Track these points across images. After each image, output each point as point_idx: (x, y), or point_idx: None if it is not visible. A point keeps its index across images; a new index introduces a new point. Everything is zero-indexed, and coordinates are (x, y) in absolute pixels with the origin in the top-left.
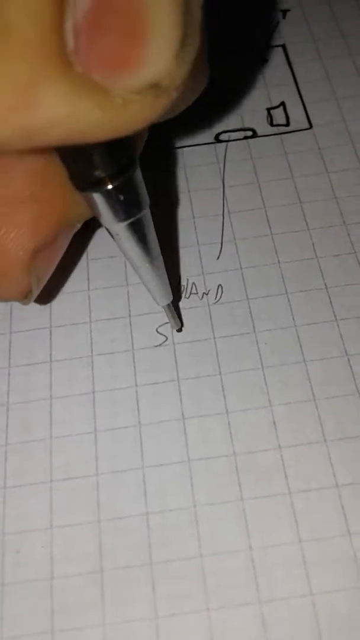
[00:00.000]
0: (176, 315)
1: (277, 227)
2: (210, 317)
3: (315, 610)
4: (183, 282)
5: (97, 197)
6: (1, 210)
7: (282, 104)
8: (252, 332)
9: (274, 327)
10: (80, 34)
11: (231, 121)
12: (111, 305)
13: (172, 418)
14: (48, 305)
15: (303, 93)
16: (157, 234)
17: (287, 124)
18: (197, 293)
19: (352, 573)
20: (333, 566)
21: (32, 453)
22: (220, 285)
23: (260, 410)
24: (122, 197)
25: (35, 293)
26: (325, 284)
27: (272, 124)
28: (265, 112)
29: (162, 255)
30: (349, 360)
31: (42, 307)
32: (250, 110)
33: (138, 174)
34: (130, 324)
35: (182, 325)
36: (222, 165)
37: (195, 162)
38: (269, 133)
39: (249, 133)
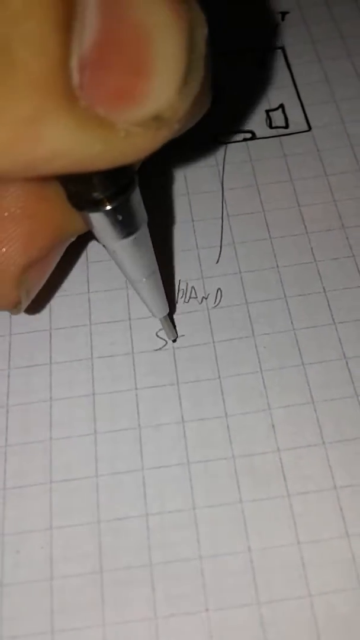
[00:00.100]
0: (172, 327)
1: (275, 230)
2: (210, 321)
3: (314, 612)
4: (182, 286)
5: (95, 217)
6: None
7: (281, 106)
8: (251, 336)
9: (273, 330)
10: (85, 69)
11: (230, 123)
12: (111, 308)
13: (172, 421)
14: (48, 307)
15: (302, 95)
16: (156, 238)
17: (286, 126)
18: (196, 297)
19: (351, 574)
20: (331, 567)
21: (32, 454)
22: (219, 289)
23: (259, 413)
24: (120, 217)
25: (25, 304)
26: (324, 288)
27: (271, 126)
28: (264, 114)
29: (161, 259)
30: (347, 363)
31: (42, 309)
32: (249, 113)
33: (136, 194)
34: (130, 327)
35: (177, 335)
36: (221, 167)
37: (194, 165)
38: (268, 135)
39: (248, 135)
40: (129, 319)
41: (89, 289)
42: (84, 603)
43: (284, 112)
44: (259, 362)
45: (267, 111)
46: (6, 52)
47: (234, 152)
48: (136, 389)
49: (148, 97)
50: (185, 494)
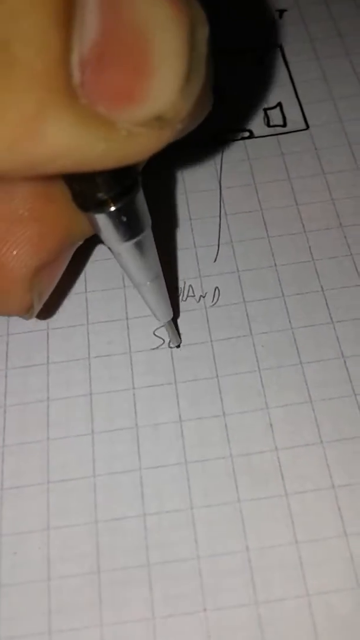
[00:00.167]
0: (176, 332)
1: (273, 229)
2: (207, 320)
3: (312, 611)
4: (180, 284)
5: (100, 218)
6: (3, 228)
7: (279, 104)
8: (249, 335)
9: (271, 329)
10: (86, 67)
11: (227, 122)
12: (108, 308)
13: (169, 420)
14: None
15: (300, 93)
16: (156, 238)
17: (284, 125)
18: (194, 296)
19: (349, 574)
20: (330, 567)
21: (29, 455)
22: (217, 287)
23: (257, 413)
24: (124, 219)
25: (37, 308)
26: (322, 286)
27: (268, 125)
28: (262, 113)
29: (163, 260)
30: (345, 362)
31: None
32: (247, 111)
33: (140, 195)
34: (128, 327)
35: (181, 341)
36: (218, 166)
37: (192, 164)
38: (266, 134)
39: (246, 134)
40: (126, 318)
41: (86, 289)
42: (82, 603)
43: (281, 110)
44: (257, 361)
45: (265, 109)
46: (6, 49)
47: (232, 151)
48: (133, 388)
49: (149, 96)
50: (183, 494)
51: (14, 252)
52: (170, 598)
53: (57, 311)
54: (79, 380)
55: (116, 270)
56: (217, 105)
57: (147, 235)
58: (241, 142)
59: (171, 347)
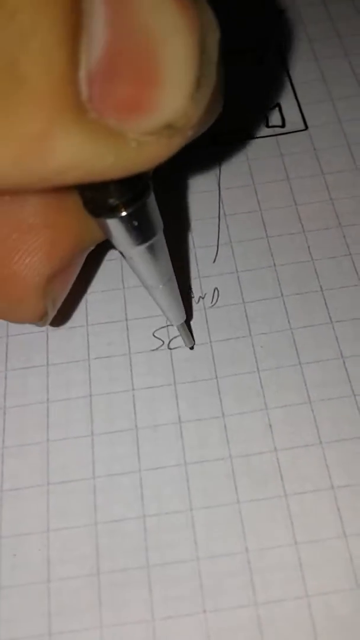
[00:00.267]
0: (190, 334)
1: (272, 229)
2: (207, 321)
3: (311, 612)
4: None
5: (112, 223)
6: (15, 237)
7: (278, 105)
8: (248, 336)
9: (270, 330)
10: (94, 82)
11: (227, 123)
12: (108, 309)
13: (169, 421)
14: None
15: (299, 94)
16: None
17: (283, 125)
18: (193, 297)
19: (348, 574)
20: (329, 568)
21: (29, 456)
22: (216, 288)
23: (257, 413)
24: (136, 223)
25: (51, 315)
26: (321, 287)
27: (267, 126)
28: (261, 114)
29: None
30: (344, 362)
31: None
32: (246, 112)
33: (152, 199)
34: (127, 328)
35: (194, 343)
36: (218, 167)
37: (191, 165)
38: (265, 134)
39: (245, 134)
40: (126, 319)
41: (86, 290)
42: (82, 605)
43: (280, 111)
44: (256, 361)
45: (264, 110)
46: (13, 69)
47: (231, 152)
48: (133, 389)
49: (159, 106)
50: (183, 495)
51: (27, 261)
52: (169, 599)
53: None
54: (78, 382)
55: (116, 271)
56: None
57: (159, 239)
58: (240, 142)
59: (170, 349)
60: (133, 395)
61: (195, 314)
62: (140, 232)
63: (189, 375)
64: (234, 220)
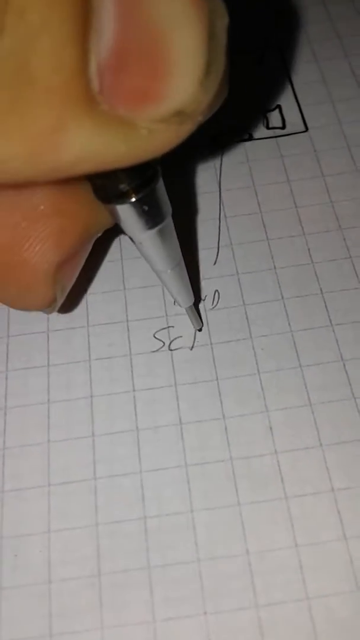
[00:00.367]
0: (198, 316)
1: (273, 232)
2: (207, 323)
3: (312, 614)
4: None
5: (122, 209)
6: (25, 225)
7: (278, 106)
8: (248, 338)
9: (270, 332)
10: (105, 74)
11: (227, 124)
12: (109, 310)
13: (169, 423)
14: None
15: (299, 96)
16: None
17: (283, 127)
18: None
19: (348, 577)
20: (329, 570)
21: (30, 457)
22: (216, 290)
23: (257, 416)
24: (146, 208)
25: (60, 302)
26: (321, 289)
27: (268, 127)
28: (261, 115)
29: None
30: (344, 365)
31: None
32: (246, 114)
33: (161, 184)
34: (128, 329)
35: (202, 324)
36: (218, 168)
37: (191, 166)
38: (265, 136)
39: (245, 136)
40: (127, 320)
41: (86, 291)
42: (82, 606)
43: (280, 112)
44: (257, 363)
45: (264, 112)
46: (24, 68)
47: (231, 153)
48: (134, 390)
49: (169, 94)
50: (183, 497)
51: (37, 248)
52: (170, 601)
53: (57, 313)
54: (79, 383)
55: (117, 272)
56: None
57: (168, 224)
58: (240, 144)
59: (171, 350)
60: (134, 397)
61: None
62: (150, 217)
63: (190, 377)
64: (234, 222)
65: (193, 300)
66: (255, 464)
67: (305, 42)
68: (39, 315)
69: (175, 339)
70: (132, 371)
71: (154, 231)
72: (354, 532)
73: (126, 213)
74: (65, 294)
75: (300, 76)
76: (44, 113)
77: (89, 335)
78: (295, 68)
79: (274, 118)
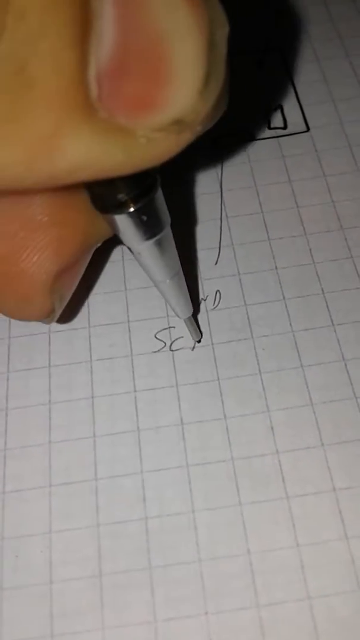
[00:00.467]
0: (197, 327)
1: (274, 232)
2: (208, 323)
3: (313, 614)
4: None
5: (120, 219)
6: (23, 234)
7: (280, 106)
8: (249, 338)
9: (272, 332)
10: (103, 81)
11: (228, 124)
12: (110, 311)
13: (171, 423)
14: None
15: (300, 95)
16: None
17: (285, 127)
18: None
19: (350, 576)
20: (331, 570)
21: (31, 458)
22: (218, 290)
23: (258, 416)
24: (144, 218)
25: (59, 313)
26: (322, 289)
27: (269, 127)
28: (263, 115)
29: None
30: (345, 365)
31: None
32: (248, 114)
33: (159, 194)
34: (129, 330)
35: (201, 336)
36: (219, 169)
37: (193, 166)
38: (267, 136)
39: (247, 136)
40: (128, 321)
41: (88, 291)
42: (84, 606)
43: (282, 112)
44: (258, 363)
45: (266, 112)
46: (23, 71)
47: (233, 153)
48: (135, 391)
49: (168, 103)
50: (185, 497)
51: (34, 259)
52: (171, 601)
53: (57, 322)
54: (80, 383)
55: (118, 273)
56: None
57: (167, 234)
58: (242, 144)
59: (172, 351)
60: (135, 397)
61: (197, 316)
62: (149, 227)
63: (191, 377)
64: (235, 222)
65: (192, 311)
66: (257, 464)
67: (307, 42)
68: None
69: (176, 339)
70: (133, 372)
71: (152, 241)
72: (355, 531)
73: (124, 223)
74: (64, 304)
75: (301, 76)
76: (41, 117)
77: (90, 336)
78: (297, 68)
79: (276, 118)
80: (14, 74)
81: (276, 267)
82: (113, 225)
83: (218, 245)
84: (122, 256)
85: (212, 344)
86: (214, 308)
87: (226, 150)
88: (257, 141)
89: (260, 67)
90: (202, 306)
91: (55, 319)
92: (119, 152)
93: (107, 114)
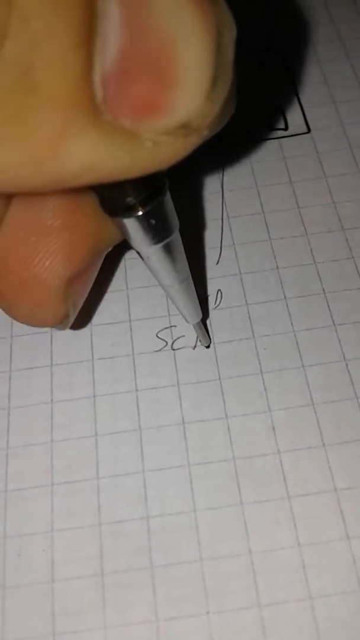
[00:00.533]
0: (205, 332)
1: (275, 232)
2: (210, 323)
3: (314, 614)
4: None
5: (129, 223)
6: (35, 239)
7: (281, 108)
8: (251, 338)
9: (273, 332)
10: (109, 84)
11: (229, 125)
12: (111, 310)
13: (172, 422)
14: None
15: (301, 97)
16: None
17: (286, 128)
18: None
19: (351, 576)
20: (332, 570)
21: (33, 456)
22: (219, 290)
23: (260, 415)
24: (153, 222)
25: (72, 318)
26: (324, 289)
27: (270, 128)
28: (264, 117)
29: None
30: (347, 365)
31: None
32: (249, 115)
33: (168, 198)
34: (131, 329)
35: (210, 341)
36: (221, 169)
37: (195, 167)
38: (268, 137)
39: (248, 137)
40: (129, 320)
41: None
42: (85, 605)
43: (283, 114)
44: (259, 363)
45: (267, 113)
46: (28, 75)
47: (234, 154)
48: (136, 390)
49: (174, 106)
50: (186, 496)
51: (47, 264)
52: (173, 600)
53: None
54: (82, 383)
55: (119, 272)
56: None
57: (176, 238)
58: (243, 145)
59: (174, 350)
60: (136, 396)
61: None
62: (157, 231)
63: (193, 377)
64: (237, 223)
65: (201, 317)
66: (258, 464)
67: (308, 44)
68: None
69: (177, 338)
70: (134, 371)
71: (160, 245)
72: (357, 531)
73: (133, 227)
74: (78, 309)
75: (302, 78)
76: (47, 120)
77: (91, 335)
78: (298, 70)
79: (277, 119)
80: (20, 78)
81: (277, 267)
82: (122, 229)
83: (219, 245)
84: (124, 256)
85: (214, 343)
86: (215, 307)
87: (228, 151)
88: (258, 142)
89: (261, 68)
90: (204, 306)
91: (69, 324)
92: (125, 155)
93: (112, 117)
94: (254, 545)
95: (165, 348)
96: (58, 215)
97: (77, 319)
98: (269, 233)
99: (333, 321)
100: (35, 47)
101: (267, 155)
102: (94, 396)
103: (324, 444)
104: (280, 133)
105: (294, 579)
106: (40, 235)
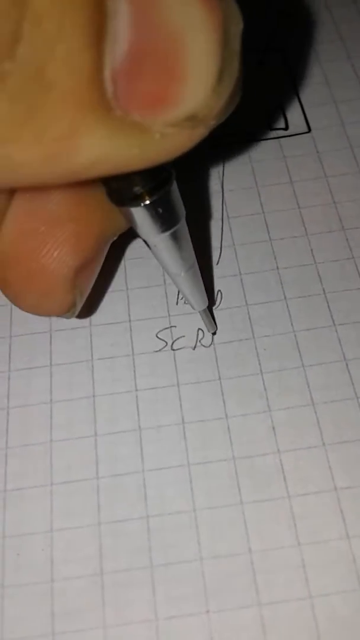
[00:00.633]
0: (212, 320)
1: (275, 232)
2: None
3: (314, 613)
4: None
5: (136, 212)
6: (43, 230)
7: (281, 107)
8: (251, 338)
9: (273, 332)
10: (119, 80)
11: (229, 125)
12: (111, 310)
13: (172, 422)
14: None
15: (302, 97)
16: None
17: (286, 128)
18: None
19: (351, 575)
20: (332, 569)
21: (33, 457)
22: (219, 290)
23: (260, 415)
24: (160, 210)
25: (79, 307)
26: (324, 290)
27: (270, 128)
28: (264, 116)
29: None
30: (347, 365)
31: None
32: (249, 114)
33: (174, 187)
34: (130, 329)
35: (217, 328)
36: (221, 169)
37: (195, 166)
38: (268, 137)
39: (248, 137)
40: (129, 320)
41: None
42: (85, 605)
43: (283, 113)
44: (259, 363)
45: (267, 113)
46: (41, 75)
47: (234, 154)
48: (136, 390)
49: (182, 99)
50: (186, 496)
51: (55, 254)
52: (173, 599)
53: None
54: (81, 383)
55: (119, 272)
56: None
57: (182, 226)
58: (243, 145)
59: (173, 350)
60: (136, 396)
61: (198, 315)
62: (164, 219)
63: (192, 377)
64: (237, 223)
65: (207, 304)
66: (258, 463)
67: (308, 44)
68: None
69: (177, 338)
70: (134, 371)
71: (168, 234)
72: (357, 531)
73: (140, 216)
74: (84, 298)
75: (303, 78)
76: (60, 118)
77: (91, 335)
78: (298, 70)
79: (277, 119)
80: (33, 77)
81: (277, 268)
82: (129, 218)
83: (219, 246)
84: (124, 255)
85: (214, 343)
86: (216, 308)
87: (227, 150)
88: (259, 142)
89: (262, 67)
90: None
91: (76, 313)
92: (134, 147)
93: (122, 111)
94: (254, 544)
95: (165, 348)
96: (65, 206)
97: (81, 309)
98: (269, 233)
99: (333, 321)
100: (48, 48)
101: (267, 155)
102: (94, 396)
103: (324, 444)
104: (281, 133)
105: (294, 578)
106: (48, 226)
